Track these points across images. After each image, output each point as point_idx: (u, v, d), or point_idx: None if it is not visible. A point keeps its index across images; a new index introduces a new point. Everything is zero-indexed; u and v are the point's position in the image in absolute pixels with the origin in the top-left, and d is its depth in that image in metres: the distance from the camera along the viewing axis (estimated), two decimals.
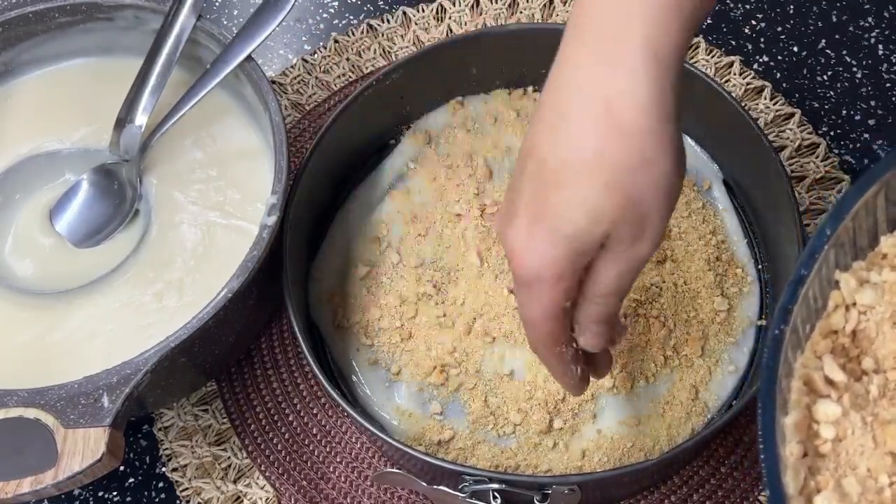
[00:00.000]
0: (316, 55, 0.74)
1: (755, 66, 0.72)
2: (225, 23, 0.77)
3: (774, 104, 0.70)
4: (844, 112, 0.70)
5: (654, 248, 0.39)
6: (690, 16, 0.37)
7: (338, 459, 0.59)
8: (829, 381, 0.34)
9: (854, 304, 0.36)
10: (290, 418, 0.60)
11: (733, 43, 0.73)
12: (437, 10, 0.75)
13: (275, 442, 0.59)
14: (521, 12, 0.75)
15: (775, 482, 0.32)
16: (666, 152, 0.37)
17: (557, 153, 0.37)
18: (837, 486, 0.33)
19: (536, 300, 0.39)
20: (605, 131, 0.36)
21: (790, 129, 0.68)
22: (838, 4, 0.74)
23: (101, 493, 0.59)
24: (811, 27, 0.74)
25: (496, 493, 0.48)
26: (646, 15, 0.36)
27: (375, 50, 0.74)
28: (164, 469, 0.59)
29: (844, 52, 0.72)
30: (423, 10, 0.75)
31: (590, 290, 0.40)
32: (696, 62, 0.72)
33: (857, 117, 0.69)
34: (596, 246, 0.38)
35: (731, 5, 0.75)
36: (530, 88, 0.66)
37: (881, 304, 0.35)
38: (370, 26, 0.75)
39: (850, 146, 0.68)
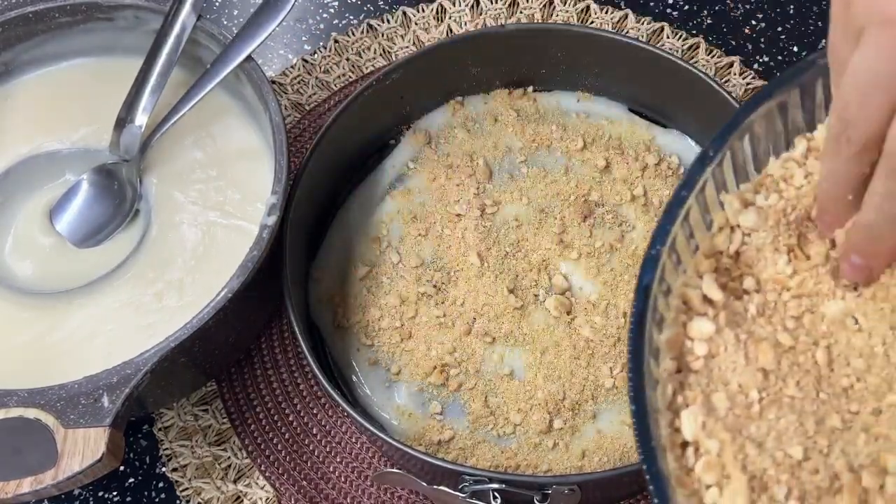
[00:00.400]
0: (316, 55, 0.74)
1: (755, 66, 0.72)
2: (225, 23, 0.77)
3: None
4: None
5: None
6: None
7: (338, 459, 0.59)
8: (707, 300, 0.35)
9: (738, 225, 0.36)
10: (290, 418, 0.60)
11: (733, 43, 0.73)
12: (437, 10, 0.75)
13: (275, 442, 0.59)
14: (521, 12, 0.75)
15: (639, 396, 0.32)
16: None
17: None
18: (706, 401, 0.33)
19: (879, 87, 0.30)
20: None
21: None
22: None
23: (101, 493, 0.59)
24: (811, 27, 0.74)
25: (496, 493, 0.48)
26: None
27: (375, 50, 0.74)
28: (164, 469, 0.59)
29: None
30: (423, 10, 0.75)
31: None
32: (696, 62, 0.72)
33: None
34: None
35: (731, 5, 0.75)
36: (530, 88, 0.66)
37: (764, 229, 0.36)
38: (370, 26, 0.75)
39: None
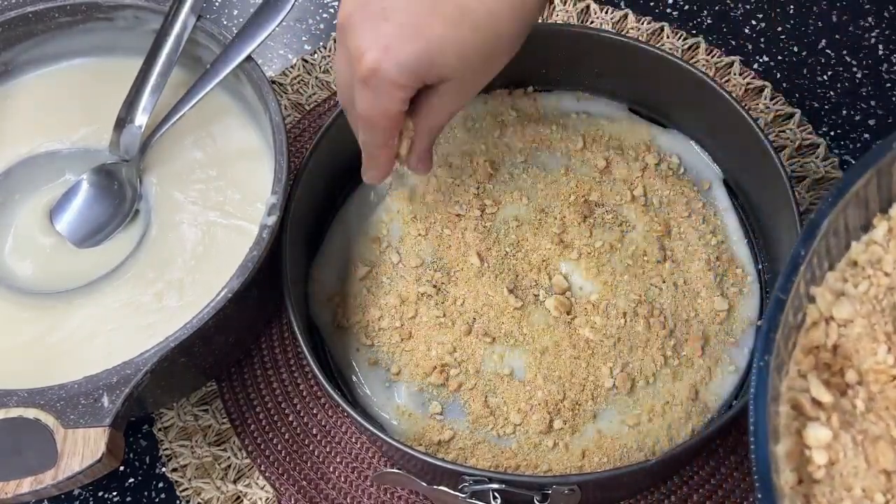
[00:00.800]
0: (316, 55, 0.73)
1: (755, 66, 0.72)
2: (225, 23, 0.77)
3: (774, 104, 0.70)
4: (844, 112, 0.70)
5: (475, 92, 0.47)
6: None
7: (338, 459, 0.59)
8: (817, 403, 0.34)
9: (832, 317, 0.36)
10: (290, 418, 0.60)
11: (733, 43, 0.73)
12: None
13: (275, 442, 0.59)
14: None
15: None
16: (530, 14, 0.44)
17: None
18: None
19: (381, 101, 0.44)
20: None
21: (790, 129, 0.68)
22: (838, 4, 0.74)
23: (101, 493, 0.59)
24: (811, 27, 0.74)
25: (496, 493, 0.48)
26: None
27: None
28: (164, 469, 0.59)
29: (844, 52, 0.72)
30: None
31: (421, 123, 0.47)
32: (696, 62, 0.72)
33: (857, 117, 0.69)
34: (437, 80, 0.44)
35: (731, 5, 0.75)
36: (530, 88, 0.66)
37: (858, 318, 0.35)
38: None
39: (850, 146, 0.68)
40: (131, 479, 0.59)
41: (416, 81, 0.44)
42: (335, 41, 0.74)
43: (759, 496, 0.31)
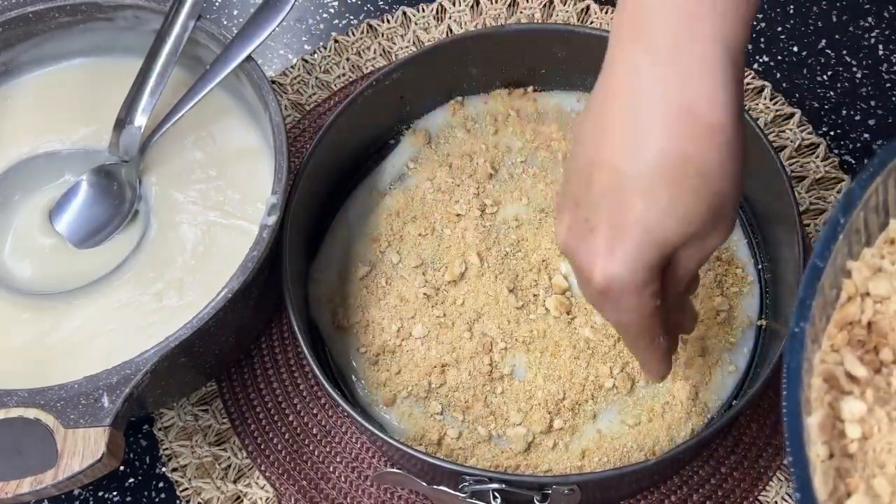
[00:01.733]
0: (316, 55, 0.74)
1: (755, 66, 0.72)
2: (225, 23, 0.77)
3: (774, 104, 0.70)
4: (844, 112, 0.70)
5: (730, 232, 0.41)
6: (753, 6, 0.38)
7: (338, 459, 0.59)
8: (851, 377, 0.33)
9: (868, 293, 0.35)
10: (290, 418, 0.60)
11: None
12: (437, 10, 0.75)
13: (275, 442, 0.59)
14: (521, 12, 0.75)
15: (806, 487, 0.30)
16: (742, 148, 0.38)
17: (637, 161, 0.37)
18: (868, 488, 0.31)
19: (631, 308, 0.40)
20: (689, 133, 0.36)
21: (790, 129, 0.68)
22: (838, 4, 0.74)
23: (101, 493, 0.59)
24: (811, 27, 0.74)
25: (496, 493, 0.48)
26: (714, 12, 0.37)
27: (375, 50, 0.74)
28: (164, 469, 0.59)
29: (844, 52, 0.72)
30: (423, 10, 0.75)
31: (673, 286, 0.42)
32: None
33: (857, 117, 0.69)
34: (673, 248, 0.39)
35: None
36: (530, 88, 0.66)
37: (895, 296, 0.34)
38: (370, 26, 0.75)
39: (850, 146, 0.68)
40: (131, 479, 0.59)
41: (655, 269, 0.39)
42: (336, 42, 0.74)
43: (794, 471, 0.31)
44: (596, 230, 0.39)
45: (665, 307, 0.42)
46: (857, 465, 0.32)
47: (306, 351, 0.52)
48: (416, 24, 0.75)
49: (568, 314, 0.56)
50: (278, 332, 0.63)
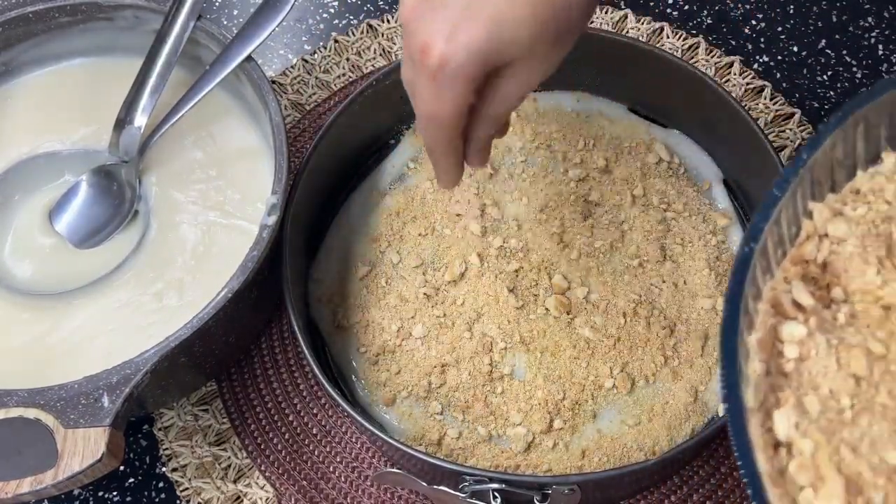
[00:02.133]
0: (316, 55, 0.74)
1: (755, 66, 0.72)
2: (225, 23, 0.77)
3: (774, 104, 0.70)
4: None
5: (551, 71, 0.41)
6: None
7: (338, 459, 0.59)
8: (797, 305, 0.34)
9: (826, 234, 0.36)
10: (290, 418, 0.60)
11: (733, 43, 0.73)
12: None
13: (275, 442, 0.59)
14: None
15: (734, 394, 0.31)
16: None
17: None
18: (798, 403, 0.33)
19: (451, 95, 0.40)
20: None
21: (790, 129, 0.68)
22: (838, 4, 0.74)
23: (101, 493, 0.59)
24: (811, 27, 0.74)
25: (496, 493, 0.48)
26: None
27: (375, 50, 0.74)
28: (164, 469, 0.59)
29: (844, 52, 0.72)
30: None
31: (484, 110, 0.42)
32: (696, 62, 0.72)
33: None
34: (509, 59, 0.39)
35: (731, 5, 0.75)
36: None
37: (852, 238, 0.36)
38: (370, 26, 0.75)
39: None
40: (131, 479, 0.59)
41: (487, 67, 0.39)
42: (336, 42, 0.74)
43: (723, 380, 0.32)
44: (448, 6, 0.38)
45: (473, 129, 0.43)
46: (790, 383, 0.33)
47: (306, 351, 0.52)
48: None
49: (568, 314, 0.56)
50: (278, 332, 0.63)
